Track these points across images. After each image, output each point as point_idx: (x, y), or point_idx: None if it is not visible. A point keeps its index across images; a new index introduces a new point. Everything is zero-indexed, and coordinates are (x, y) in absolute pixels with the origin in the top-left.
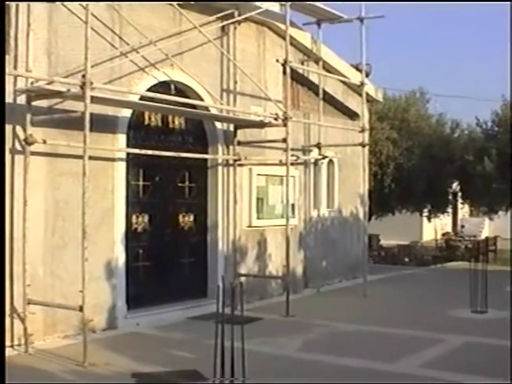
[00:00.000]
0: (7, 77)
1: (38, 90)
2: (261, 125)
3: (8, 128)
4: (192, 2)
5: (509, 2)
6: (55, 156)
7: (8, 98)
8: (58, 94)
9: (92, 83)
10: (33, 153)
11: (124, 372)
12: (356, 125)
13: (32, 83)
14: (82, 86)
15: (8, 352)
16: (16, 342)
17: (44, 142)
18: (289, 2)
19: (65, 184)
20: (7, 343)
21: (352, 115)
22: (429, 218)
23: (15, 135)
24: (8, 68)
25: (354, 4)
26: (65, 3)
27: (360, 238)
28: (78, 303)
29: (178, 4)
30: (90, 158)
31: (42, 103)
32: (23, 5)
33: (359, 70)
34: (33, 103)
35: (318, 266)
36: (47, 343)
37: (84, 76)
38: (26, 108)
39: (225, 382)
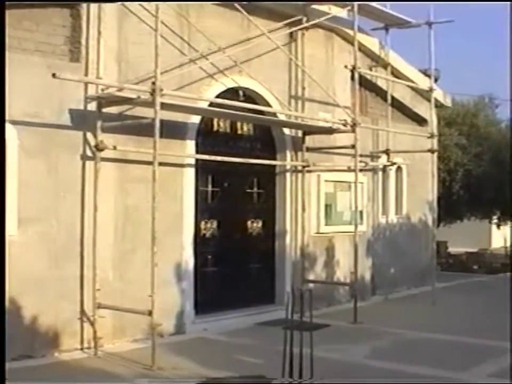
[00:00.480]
0: (78, 84)
1: (108, 97)
2: (330, 131)
3: (79, 134)
4: (261, 8)
5: None
6: (125, 162)
7: (79, 105)
8: (128, 100)
9: (161, 90)
10: (103, 159)
11: (191, 376)
12: (424, 131)
13: (102, 90)
14: (152, 93)
15: (78, 355)
16: (85, 345)
17: (114, 148)
18: (357, 3)
19: (135, 190)
20: (77, 346)
21: (420, 121)
22: (498, 226)
23: (85, 141)
24: (79, 75)
25: (421, 8)
26: (136, 11)
27: (428, 245)
28: (146, 308)
29: (246, 11)
30: (160, 164)
31: (113, 109)
32: (94, 13)
33: (428, 75)
34: (104, 110)
35: (386, 273)
36: (116, 346)
37: (153, 83)
38: (97, 114)
39: (294, 383)
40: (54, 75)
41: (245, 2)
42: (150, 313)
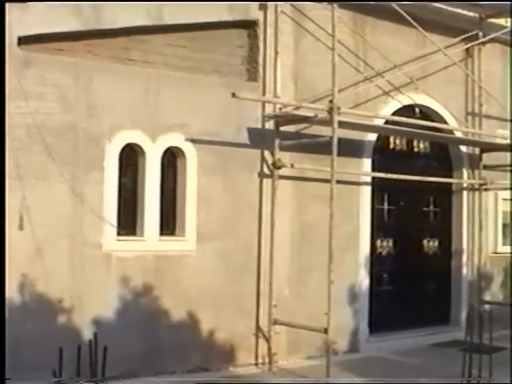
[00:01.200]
0: (256, 103)
1: (285, 115)
2: (508, 148)
3: (256, 152)
4: (436, 24)
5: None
6: (302, 180)
7: (257, 124)
8: (305, 119)
9: (339, 108)
10: (281, 177)
11: None
12: None
13: (280, 108)
14: (330, 111)
15: (252, 370)
16: (260, 361)
17: (292, 166)
18: None
19: (312, 207)
20: (252, 361)
21: None
22: None
23: (263, 159)
24: (257, 94)
25: None
26: (312, 31)
27: None
28: (321, 325)
29: (421, 27)
30: (337, 182)
31: (290, 128)
32: (270, 33)
33: None
34: (281, 128)
35: None
36: (289, 362)
37: (331, 101)
38: (275, 133)
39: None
40: (233, 95)
41: (419, 18)
42: (325, 330)
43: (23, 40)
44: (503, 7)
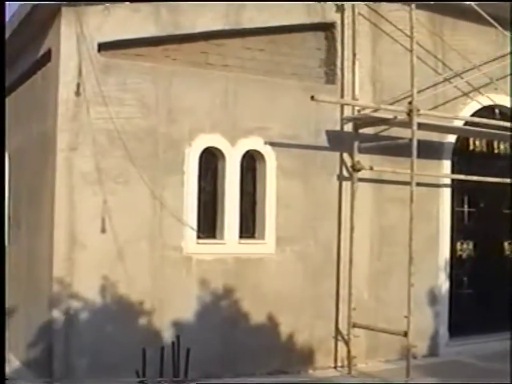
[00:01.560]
0: (334, 106)
1: (364, 118)
2: None
3: (335, 155)
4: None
5: None
6: (381, 182)
7: (335, 126)
8: (384, 121)
9: (418, 110)
10: (360, 180)
11: None
12: None
13: (358, 111)
14: (409, 113)
15: (331, 372)
16: (339, 364)
17: (371, 168)
18: None
19: (391, 210)
20: (331, 364)
21: None
22: None
23: (342, 161)
24: (335, 97)
25: None
26: (389, 32)
27: None
28: (401, 328)
29: (500, 25)
30: (416, 184)
31: (368, 130)
32: (348, 35)
33: None
34: (360, 130)
35: None
36: (368, 366)
37: (410, 103)
38: (354, 135)
39: None
40: (312, 97)
41: (499, 17)
42: (405, 334)
43: (103, 47)
44: None
